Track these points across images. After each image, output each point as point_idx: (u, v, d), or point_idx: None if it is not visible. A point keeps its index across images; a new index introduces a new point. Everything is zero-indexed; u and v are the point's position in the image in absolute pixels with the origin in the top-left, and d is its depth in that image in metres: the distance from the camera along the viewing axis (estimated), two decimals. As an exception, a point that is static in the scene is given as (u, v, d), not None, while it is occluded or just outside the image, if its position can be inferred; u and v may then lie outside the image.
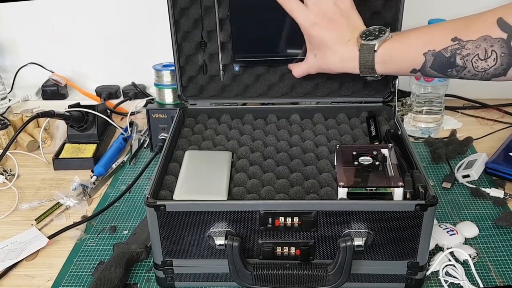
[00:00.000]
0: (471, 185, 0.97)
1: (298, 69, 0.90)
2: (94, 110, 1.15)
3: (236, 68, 0.75)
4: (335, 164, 0.81)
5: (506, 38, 0.66)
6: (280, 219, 0.70)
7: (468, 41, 0.69)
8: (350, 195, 0.73)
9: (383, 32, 0.78)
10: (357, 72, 0.80)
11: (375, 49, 0.77)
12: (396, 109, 0.94)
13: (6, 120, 1.19)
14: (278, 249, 0.72)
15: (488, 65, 0.69)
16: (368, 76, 0.80)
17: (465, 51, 0.69)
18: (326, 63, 0.83)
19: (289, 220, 0.70)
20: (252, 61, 0.74)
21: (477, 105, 1.29)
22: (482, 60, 0.69)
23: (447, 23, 0.74)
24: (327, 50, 0.81)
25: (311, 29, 0.81)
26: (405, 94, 1.19)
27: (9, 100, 1.37)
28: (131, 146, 1.17)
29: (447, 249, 0.80)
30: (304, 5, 0.81)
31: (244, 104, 1.03)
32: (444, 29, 0.72)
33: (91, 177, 1.03)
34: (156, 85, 1.11)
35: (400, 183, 0.72)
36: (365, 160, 0.78)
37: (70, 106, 1.16)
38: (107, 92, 1.39)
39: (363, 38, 0.78)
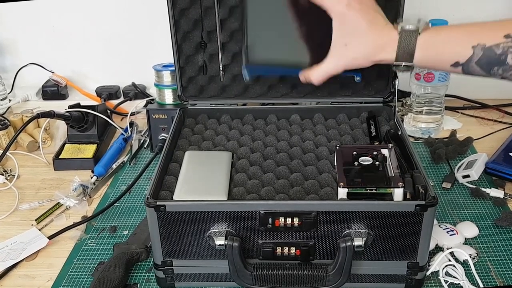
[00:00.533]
0: (471, 185, 0.97)
1: (319, 72, 0.79)
2: (94, 111, 1.15)
3: (247, 78, 0.74)
4: (335, 164, 0.81)
5: None
6: (280, 220, 0.70)
7: None
8: (350, 196, 0.72)
9: (423, 21, 0.73)
10: (391, 59, 0.74)
11: (419, 31, 0.71)
12: (396, 109, 0.94)
13: (6, 121, 1.19)
14: (278, 249, 0.72)
15: None
16: (402, 65, 0.74)
17: None
18: (359, 51, 0.75)
19: (289, 220, 0.70)
20: (264, 71, 0.73)
21: (477, 105, 1.30)
22: None
23: (499, 21, 0.70)
24: (362, 34, 0.74)
25: (347, 11, 0.74)
26: (405, 94, 1.19)
27: (9, 100, 1.37)
28: (131, 146, 1.17)
29: (447, 249, 0.80)
30: None
31: (244, 105, 1.03)
32: (496, 26, 0.69)
33: (91, 178, 1.03)
34: (156, 85, 1.11)
35: (400, 184, 0.72)
36: (365, 160, 0.78)
37: (70, 107, 1.16)
38: (107, 93, 1.39)
39: (403, 23, 0.73)
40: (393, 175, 0.74)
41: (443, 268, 0.77)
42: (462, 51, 0.70)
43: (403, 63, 0.74)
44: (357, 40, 0.75)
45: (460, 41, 0.71)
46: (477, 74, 0.72)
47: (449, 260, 0.78)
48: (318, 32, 0.78)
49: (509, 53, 0.68)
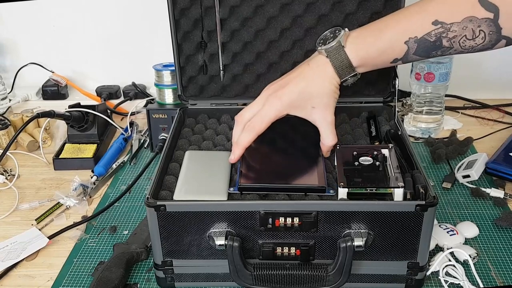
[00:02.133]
0: (471, 185, 0.97)
1: (328, 143, 0.79)
2: (94, 110, 1.15)
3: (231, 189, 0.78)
4: (335, 164, 0.81)
5: (493, 17, 0.67)
6: (280, 220, 0.70)
7: (452, 23, 0.68)
8: (350, 196, 0.73)
9: (338, 31, 0.74)
10: (337, 80, 0.75)
11: (343, 44, 0.73)
12: (396, 109, 0.94)
13: (6, 120, 1.19)
14: (278, 249, 0.72)
15: (476, 43, 0.69)
16: (348, 78, 0.75)
17: (451, 33, 0.69)
18: (314, 100, 0.75)
19: (289, 220, 0.70)
20: (255, 188, 0.77)
21: (477, 105, 1.30)
22: (470, 40, 0.69)
23: (418, 7, 0.71)
24: (306, 91, 0.75)
25: (289, 100, 0.75)
26: (405, 94, 1.19)
27: (10, 100, 1.37)
28: (131, 146, 1.17)
29: (447, 249, 0.80)
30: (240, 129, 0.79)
31: (245, 104, 1.02)
32: (419, 14, 0.70)
33: (91, 177, 1.04)
34: (156, 85, 1.11)
35: (400, 184, 0.72)
36: (366, 160, 0.78)
37: (70, 106, 1.16)
38: (107, 92, 1.39)
39: (321, 45, 0.75)
40: (393, 175, 0.74)
41: (443, 268, 0.77)
42: (396, 49, 0.72)
43: (349, 76, 0.75)
44: (310, 96, 0.75)
45: (391, 41, 0.71)
46: (418, 60, 0.74)
47: (449, 260, 0.78)
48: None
49: (442, 38, 0.69)
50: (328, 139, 0.78)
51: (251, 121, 0.78)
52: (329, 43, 0.74)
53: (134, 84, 1.40)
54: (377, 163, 0.77)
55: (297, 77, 0.76)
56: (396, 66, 0.93)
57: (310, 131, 0.87)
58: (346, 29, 0.75)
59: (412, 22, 0.70)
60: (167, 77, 1.09)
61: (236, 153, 0.78)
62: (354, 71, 0.75)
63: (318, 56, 0.76)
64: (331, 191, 0.75)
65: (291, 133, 0.89)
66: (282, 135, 0.89)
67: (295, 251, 0.72)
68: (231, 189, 0.77)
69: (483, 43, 0.69)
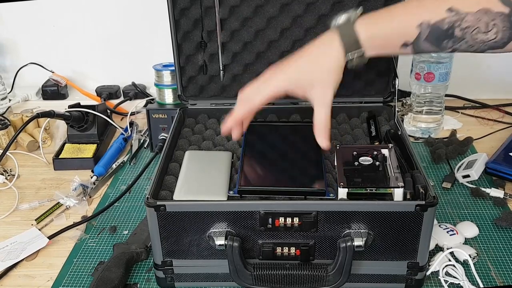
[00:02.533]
0: (471, 185, 0.97)
1: (320, 121, 0.74)
2: (94, 110, 1.15)
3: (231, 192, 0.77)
4: (335, 164, 0.81)
5: (508, 12, 0.65)
6: (280, 220, 0.70)
7: (467, 13, 0.67)
8: (350, 196, 0.72)
9: (353, 11, 0.73)
10: (342, 60, 0.72)
11: (352, 20, 0.71)
12: (396, 109, 0.94)
13: (6, 120, 1.19)
14: (278, 249, 0.72)
15: (488, 38, 0.68)
16: (354, 57, 0.72)
17: (465, 23, 0.67)
18: (312, 82, 0.73)
19: (289, 220, 0.70)
20: (254, 191, 0.76)
21: (477, 105, 1.30)
22: (482, 33, 0.67)
23: None
24: (308, 68, 0.73)
25: (293, 79, 0.73)
26: (405, 94, 1.19)
27: (9, 100, 1.37)
28: (131, 146, 1.17)
29: (447, 249, 0.80)
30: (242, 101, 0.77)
31: (244, 104, 1.02)
32: (434, 0, 0.69)
33: (91, 177, 1.03)
34: (156, 85, 1.11)
35: (400, 184, 0.72)
36: (365, 160, 0.78)
37: (70, 106, 1.16)
38: (107, 92, 1.39)
39: (334, 22, 0.73)
40: (393, 175, 0.74)
41: (443, 268, 0.77)
42: (407, 32, 0.69)
43: (355, 53, 0.72)
44: (310, 75, 0.73)
45: (404, 22, 0.70)
46: (428, 50, 0.71)
47: (449, 260, 0.78)
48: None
49: (455, 27, 0.67)
50: (320, 122, 0.73)
51: (248, 93, 0.76)
52: (340, 19, 0.72)
53: (134, 84, 1.40)
54: (377, 163, 0.77)
55: (300, 54, 0.74)
56: (397, 65, 0.93)
57: (310, 134, 0.87)
58: (361, 10, 0.73)
59: (426, 7, 0.69)
60: (167, 77, 1.09)
61: (226, 123, 0.77)
62: (360, 49, 0.71)
63: (326, 33, 0.73)
64: (331, 195, 0.75)
65: (291, 136, 0.89)
66: (282, 138, 0.89)
67: (295, 251, 0.72)
68: (231, 192, 0.77)
69: (495, 39, 0.68)
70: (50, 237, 0.88)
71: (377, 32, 0.71)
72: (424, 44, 0.70)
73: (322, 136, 0.74)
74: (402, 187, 0.71)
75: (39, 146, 1.17)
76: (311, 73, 0.73)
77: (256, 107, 0.75)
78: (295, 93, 0.74)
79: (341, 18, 0.72)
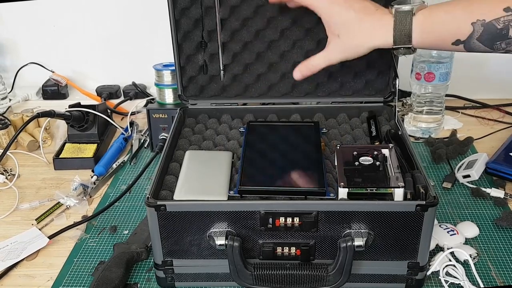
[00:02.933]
0: (471, 185, 0.97)
1: (315, 61, 0.80)
2: (95, 110, 1.15)
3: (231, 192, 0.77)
4: (336, 164, 0.81)
5: None
6: (280, 219, 0.70)
7: None
8: (350, 195, 0.72)
9: (418, 2, 0.72)
10: (389, 44, 0.73)
11: (414, 12, 0.71)
12: (397, 109, 0.94)
13: (6, 120, 1.19)
14: (279, 249, 0.72)
15: None
16: (401, 48, 0.73)
17: None
18: (353, 40, 0.74)
19: (289, 220, 0.70)
20: (255, 191, 0.77)
21: (478, 105, 1.29)
22: None
23: None
24: (352, 24, 0.73)
25: (331, 6, 0.74)
26: (405, 94, 1.19)
27: (10, 100, 1.37)
28: (132, 146, 1.17)
29: (448, 249, 0.80)
30: None
31: (245, 104, 1.03)
32: None
33: (92, 177, 1.04)
34: (156, 85, 1.11)
35: (401, 184, 0.72)
36: (366, 160, 0.78)
37: (70, 106, 1.16)
38: (107, 92, 1.39)
39: (397, 4, 0.72)
40: (393, 175, 0.74)
41: (444, 268, 0.77)
42: (461, 29, 0.69)
43: (402, 46, 0.73)
44: (349, 29, 0.74)
45: (458, 18, 0.69)
46: (480, 50, 0.70)
47: (450, 260, 0.78)
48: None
49: (510, 26, 0.66)
50: (313, 63, 0.80)
51: None
52: (403, 5, 0.71)
53: (134, 84, 1.40)
54: (378, 163, 0.77)
55: (366, 8, 0.74)
56: (397, 65, 0.93)
57: (310, 134, 0.87)
58: (425, 2, 0.72)
59: (484, 4, 0.68)
60: (167, 77, 1.09)
61: None
62: (410, 43, 0.72)
63: (387, 14, 0.73)
64: (331, 195, 0.75)
65: (291, 136, 0.89)
66: (282, 138, 0.89)
67: (295, 251, 0.72)
68: (231, 192, 0.77)
69: None
70: (50, 237, 0.88)
71: (431, 28, 0.71)
72: (476, 44, 0.69)
73: (302, 72, 0.80)
74: (402, 187, 0.71)
75: (39, 146, 1.17)
76: (353, 32, 0.74)
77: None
78: (325, 19, 0.77)
79: (404, 6, 0.71)
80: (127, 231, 0.90)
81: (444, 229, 0.84)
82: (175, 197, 0.76)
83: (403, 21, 0.71)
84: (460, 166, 1.02)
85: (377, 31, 0.73)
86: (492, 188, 0.95)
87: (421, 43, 0.73)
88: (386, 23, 0.72)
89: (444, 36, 0.71)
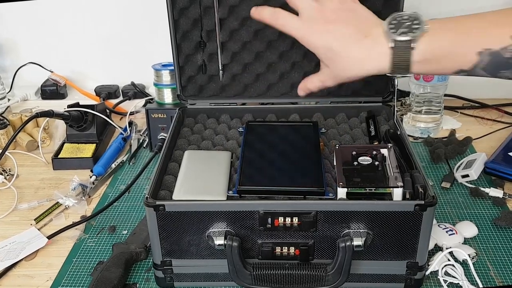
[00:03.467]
0: (470, 185, 0.97)
1: (310, 83, 0.75)
2: (93, 110, 1.15)
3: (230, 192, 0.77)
4: (335, 164, 0.81)
5: None
6: (279, 219, 0.70)
7: None
8: (349, 195, 0.72)
9: (417, 23, 0.64)
10: (384, 71, 0.67)
11: (413, 46, 0.63)
12: (396, 109, 0.94)
13: (5, 120, 1.19)
14: (278, 249, 0.72)
15: None
16: (396, 76, 0.68)
17: None
18: (342, 70, 0.69)
19: (288, 220, 0.70)
20: (254, 191, 0.77)
21: (477, 105, 1.30)
22: None
23: (502, 15, 0.63)
24: (336, 55, 0.67)
25: (310, 39, 0.68)
26: (404, 94, 1.19)
27: (8, 99, 1.37)
28: (131, 146, 1.17)
29: (446, 249, 0.80)
30: (295, 16, 0.71)
31: (244, 104, 1.03)
32: (501, 21, 0.62)
33: (90, 177, 1.03)
34: (155, 85, 1.11)
35: (400, 183, 0.72)
36: (365, 160, 0.78)
37: (69, 106, 1.16)
38: (106, 92, 1.39)
39: (393, 31, 0.64)
40: (392, 174, 0.74)
41: (442, 268, 0.77)
42: (466, 59, 0.63)
43: (397, 76, 0.68)
44: (334, 61, 0.69)
45: (463, 48, 0.63)
46: (481, 76, 0.65)
47: (448, 260, 0.78)
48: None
49: None
50: (310, 83, 0.75)
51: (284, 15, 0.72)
52: (402, 33, 0.64)
53: (133, 84, 1.40)
54: (376, 162, 0.77)
55: (351, 35, 0.67)
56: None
57: (309, 134, 0.87)
58: (427, 26, 0.64)
59: (490, 29, 0.62)
60: (166, 77, 1.09)
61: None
62: (408, 72, 0.66)
63: (379, 42, 0.65)
64: (330, 194, 0.75)
65: (290, 136, 0.89)
66: (281, 138, 0.89)
67: (294, 250, 0.72)
68: (230, 192, 0.77)
69: None
70: (49, 237, 0.88)
71: (433, 59, 0.65)
72: (479, 72, 0.64)
73: (303, 91, 0.77)
74: (401, 186, 0.71)
75: (38, 146, 1.17)
76: (340, 62, 0.68)
77: (279, 27, 0.73)
78: (311, 47, 0.70)
79: (403, 34, 0.64)
80: (126, 231, 0.90)
81: (443, 228, 0.84)
82: (174, 197, 0.76)
83: (401, 55, 0.64)
84: (459, 166, 1.02)
85: (370, 62, 0.67)
86: (491, 188, 0.95)
87: (419, 71, 0.67)
88: (380, 53, 0.65)
89: (447, 66, 0.65)
